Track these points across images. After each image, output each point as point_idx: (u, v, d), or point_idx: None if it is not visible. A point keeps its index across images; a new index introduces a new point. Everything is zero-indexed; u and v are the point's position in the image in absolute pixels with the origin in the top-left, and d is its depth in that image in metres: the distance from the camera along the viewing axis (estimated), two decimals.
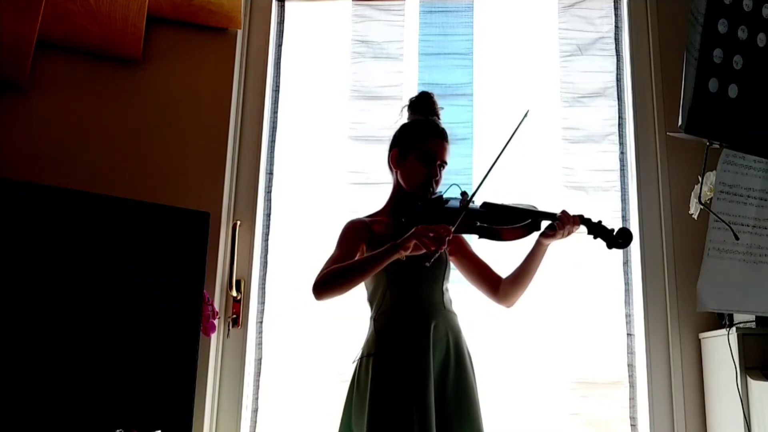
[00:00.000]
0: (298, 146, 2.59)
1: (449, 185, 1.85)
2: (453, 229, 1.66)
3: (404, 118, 1.96)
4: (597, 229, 1.76)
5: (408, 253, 1.63)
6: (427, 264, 1.58)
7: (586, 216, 1.77)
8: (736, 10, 1.56)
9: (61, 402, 1.72)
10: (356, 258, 1.78)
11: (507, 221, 1.76)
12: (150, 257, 1.91)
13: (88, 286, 1.81)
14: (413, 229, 1.62)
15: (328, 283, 1.70)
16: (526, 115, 1.74)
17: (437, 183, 1.85)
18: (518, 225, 1.76)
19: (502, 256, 1.93)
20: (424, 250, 1.60)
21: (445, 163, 1.86)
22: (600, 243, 1.76)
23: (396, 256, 1.64)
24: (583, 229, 1.77)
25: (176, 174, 2.40)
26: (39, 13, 2.11)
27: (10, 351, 1.68)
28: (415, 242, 1.60)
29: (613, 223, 2.38)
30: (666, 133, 2.41)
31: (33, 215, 1.78)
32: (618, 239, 1.75)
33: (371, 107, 2.55)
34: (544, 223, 1.77)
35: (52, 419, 1.70)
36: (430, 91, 1.96)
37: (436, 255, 1.58)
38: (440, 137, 1.85)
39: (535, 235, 1.78)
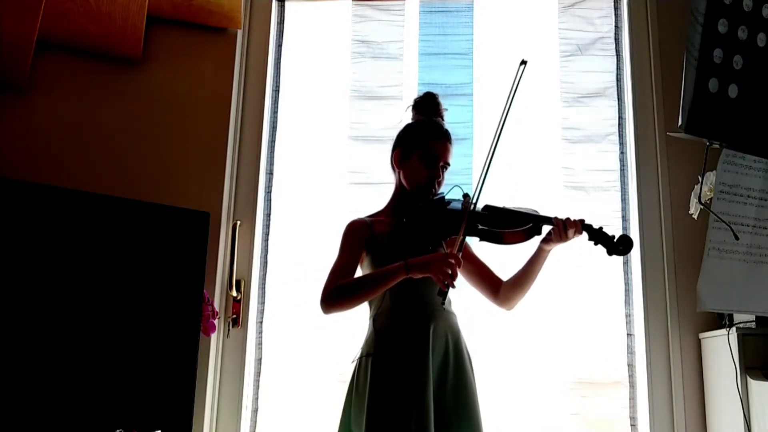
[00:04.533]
0: (298, 146, 2.59)
1: (451, 186, 1.85)
2: (457, 244, 1.69)
3: (408, 118, 1.96)
4: (598, 236, 1.75)
5: (417, 277, 1.67)
6: (443, 302, 1.69)
7: (587, 222, 1.76)
8: (736, 10, 1.56)
9: (61, 402, 1.72)
10: (359, 258, 1.80)
11: (509, 224, 1.76)
12: (150, 257, 1.91)
13: (88, 286, 1.81)
14: (432, 258, 1.66)
15: (337, 300, 1.72)
16: (523, 64, 1.78)
17: (439, 184, 1.86)
18: (520, 229, 1.75)
19: (503, 258, 1.93)
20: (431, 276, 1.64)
21: (448, 164, 1.87)
22: (600, 248, 1.76)
23: (403, 278, 1.68)
24: (584, 235, 1.77)
25: (176, 174, 2.40)
26: (39, 13, 2.11)
27: (11, 351, 1.68)
28: (429, 275, 1.65)
29: (614, 223, 2.41)
30: (666, 133, 2.41)
31: (33, 215, 1.77)
32: (619, 246, 1.74)
33: (371, 107, 2.55)
34: (546, 228, 1.78)
35: (52, 419, 1.70)
36: (434, 92, 1.96)
37: (447, 293, 1.66)
38: (444, 138, 1.86)
39: (537, 239, 1.79)
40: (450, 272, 1.61)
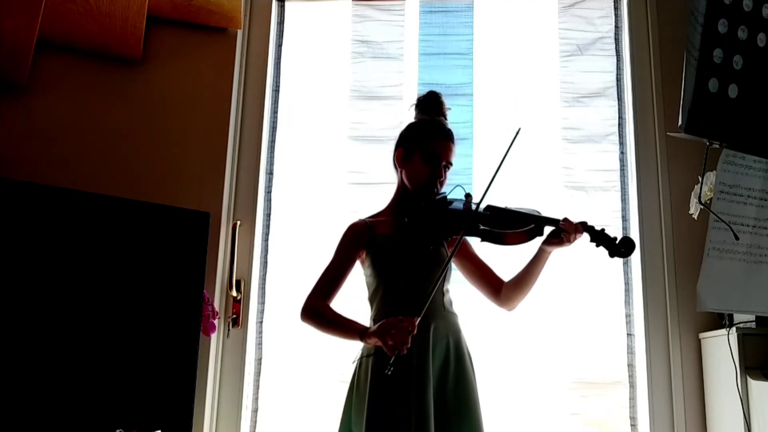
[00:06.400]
0: (298, 146, 2.59)
1: (453, 186, 1.85)
2: (456, 246, 1.67)
3: (411, 117, 1.95)
4: (600, 238, 1.75)
5: (369, 344, 1.69)
6: (387, 372, 1.53)
7: (589, 224, 1.76)
8: (736, 10, 1.56)
9: (61, 402, 1.72)
10: (352, 265, 1.83)
11: (510, 225, 1.76)
12: (150, 257, 1.91)
13: (88, 286, 1.81)
14: (386, 324, 1.60)
15: (308, 320, 1.78)
16: (517, 133, 1.74)
17: (441, 184, 1.85)
18: (521, 230, 1.75)
19: (505, 259, 1.93)
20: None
21: (451, 164, 1.86)
22: (601, 250, 1.75)
23: (356, 340, 1.71)
24: (586, 236, 1.76)
25: (176, 174, 2.40)
26: (39, 13, 2.11)
27: (11, 351, 1.68)
28: (379, 343, 1.61)
29: (614, 223, 2.41)
30: (666, 133, 2.41)
31: (33, 215, 1.77)
32: (620, 248, 1.73)
33: (371, 107, 2.55)
34: (547, 230, 1.77)
35: (52, 419, 1.70)
36: (438, 91, 1.95)
37: (393, 361, 1.54)
38: (446, 138, 1.85)
39: (538, 240, 1.78)
40: (401, 340, 1.55)
